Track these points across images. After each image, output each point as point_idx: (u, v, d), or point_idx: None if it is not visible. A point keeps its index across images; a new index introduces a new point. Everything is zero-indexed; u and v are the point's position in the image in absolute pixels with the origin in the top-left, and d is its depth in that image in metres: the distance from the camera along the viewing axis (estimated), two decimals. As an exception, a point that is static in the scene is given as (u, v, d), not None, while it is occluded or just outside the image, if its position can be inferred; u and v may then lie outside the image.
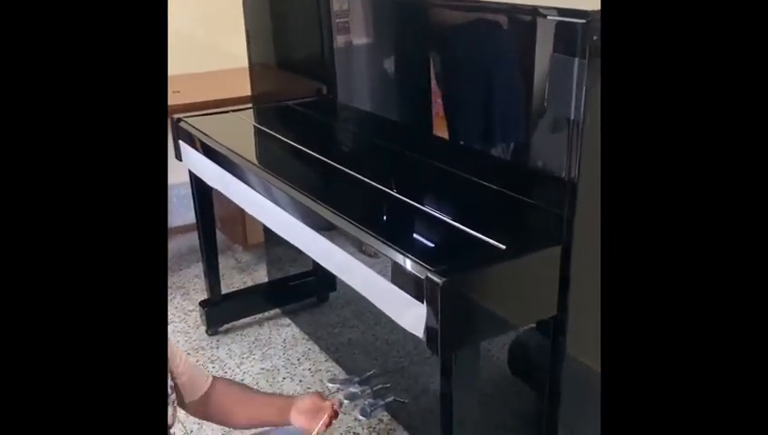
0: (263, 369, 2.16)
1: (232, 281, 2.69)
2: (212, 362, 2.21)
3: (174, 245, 2.95)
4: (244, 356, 2.23)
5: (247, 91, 2.39)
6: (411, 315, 1.16)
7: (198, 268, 2.60)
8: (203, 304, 2.35)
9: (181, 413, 1.31)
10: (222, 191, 1.89)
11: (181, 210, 2.92)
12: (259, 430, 1.38)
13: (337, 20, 1.93)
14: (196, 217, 2.24)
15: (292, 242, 1.55)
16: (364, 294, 1.31)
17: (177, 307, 2.53)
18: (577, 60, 1.14)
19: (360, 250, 1.29)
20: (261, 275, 2.71)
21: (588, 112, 1.13)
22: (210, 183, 1.98)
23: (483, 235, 1.24)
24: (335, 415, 1.32)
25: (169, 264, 2.75)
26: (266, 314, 2.44)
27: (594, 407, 0.80)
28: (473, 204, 1.44)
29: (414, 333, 1.17)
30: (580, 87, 1.14)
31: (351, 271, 1.33)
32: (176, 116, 2.11)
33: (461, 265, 1.15)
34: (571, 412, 1.35)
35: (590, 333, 1.07)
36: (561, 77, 1.19)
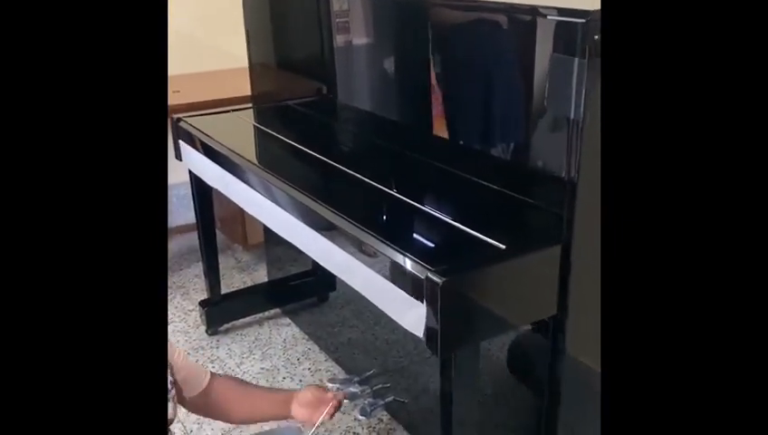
0: (262, 369, 2.16)
1: (232, 281, 2.69)
2: (212, 361, 2.21)
3: (174, 244, 2.95)
4: (244, 356, 2.23)
5: (247, 91, 2.39)
6: (411, 315, 1.16)
7: (198, 268, 2.60)
8: (203, 303, 2.35)
9: (181, 413, 1.31)
10: (222, 191, 1.89)
11: (181, 210, 2.92)
12: (264, 430, 1.39)
13: (337, 20, 1.93)
14: (196, 216, 2.24)
15: (291, 242, 1.55)
16: (364, 293, 1.31)
17: (177, 307, 2.53)
18: (577, 59, 1.14)
19: (360, 250, 1.29)
20: (261, 275, 2.71)
21: (587, 112, 1.13)
22: (210, 183, 1.98)
23: (482, 234, 1.24)
24: (338, 405, 1.32)
25: (169, 263, 2.75)
26: (266, 313, 2.44)
27: (594, 407, 0.80)
28: (472, 204, 1.44)
29: (414, 332, 1.17)
30: (580, 87, 1.14)
31: (351, 271, 1.33)
32: (176, 116, 2.11)
33: (461, 265, 1.15)
34: (571, 412, 1.35)
35: (590, 333, 1.07)
36: (560, 77, 1.19)
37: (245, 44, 2.33)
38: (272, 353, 2.24)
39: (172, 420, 1.17)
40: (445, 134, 1.60)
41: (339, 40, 1.96)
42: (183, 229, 2.97)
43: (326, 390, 1.35)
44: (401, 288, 1.18)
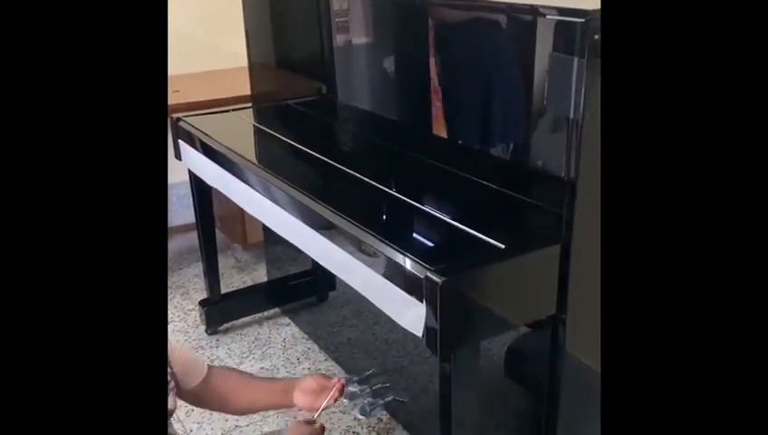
0: (262, 368, 2.16)
1: (231, 280, 2.69)
2: (211, 361, 2.21)
3: (174, 244, 2.95)
4: (244, 355, 2.23)
5: (247, 91, 2.39)
6: (410, 315, 1.16)
7: (198, 268, 2.60)
8: (202, 303, 2.35)
9: (181, 413, 1.31)
10: (221, 190, 1.89)
11: (181, 210, 2.92)
12: (265, 432, 1.39)
13: (337, 19, 1.93)
14: (196, 216, 2.24)
15: (291, 241, 1.55)
16: (363, 293, 1.31)
17: (176, 306, 2.53)
18: (576, 59, 1.14)
19: (360, 249, 1.29)
20: (260, 275, 2.71)
21: (587, 111, 1.13)
22: (210, 182, 1.98)
23: (482, 234, 1.24)
24: (341, 390, 1.33)
25: (169, 263, 2.75)
26: (266, 313, 2.44)
27: (594, 407, 0.80)
28: (472, 203, 1.44)
29: (413, 332, 1.17)
30: (580, 86, 1.14)
31: (351, 270, 1.33)
32: (175, 115, 2.11)
33: (460, 265, 1.15)
34: (571, 412, 1.35)
35: (589, 332, 1.07)
36: (560, 76, 1.19)
37: (245, 44, 2.33)
38: (271, 353, 2.24)
39: (172, 411, 1.18)
40: (444, 134, 1.60)
41: (338, 39, 1.96)
42: (182, 229, 2.97)
43: (329, 377, 1.36)
44: (401, 288, 1.18)
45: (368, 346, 2.05)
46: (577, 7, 1.14)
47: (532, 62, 1.28)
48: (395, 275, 1.20)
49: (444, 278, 1.09)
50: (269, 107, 2.34)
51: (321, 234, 1.41)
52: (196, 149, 1.99)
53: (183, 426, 1.89)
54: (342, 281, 1.39)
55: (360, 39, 1.93)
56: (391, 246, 1.21)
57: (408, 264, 1.16)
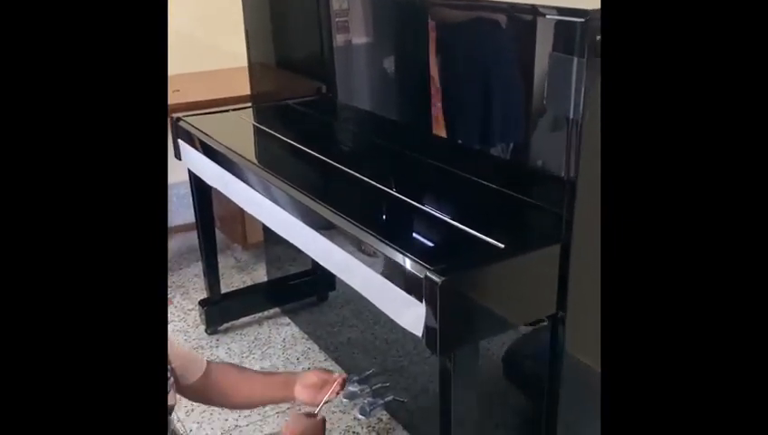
0: (262, 368, 2.16)
1: (231, 280, 2.69)
2: (211, 361, 2.21)
3: (173, 244, 2.95)
4: (244, 355, 2.23)
5: (247, 91, 2.39)
6: (410, 314, 1.16)
7: (198, 267, 2.60)
8: (202, 303, 2.35)
9: (181, 413, 1.31)
10: (221, 190, 1.89)
11: (181, 209, 2.92)
12: (267, 433, 1.39)
13: (336, 19, 1.93)
14: (196, 216, 2.24)
15: (291, 241, 1.55)
16: (363, 293, 1.31)
17: (176, 306, 2.53)
18: (576, 59, 1.14)
19: (360, 249, 1.29)
20: (260, 275, 2.71)
21: (587, 111, 1.13)
22: (210, 182, 1.98)
23: (482, 234, 1.24)
24: (343, 384, 1.33)
25: (169, 263, 2.75)
26: (266, 313, 2.44)
27: (594, 407, 0.80)
28: (472, 203, 1.44)
29: (413, 332, 1.17)
30: (580, 86, 1.14)
31: (351, 270, 1.33)
32: (175, 115, 2.11)
33: (460, 265, 1.15)
34: (571, 412, 1.35)
35: (589, 332, 1.07)
36: (560, 76, 1.19)
37: (245, 44, 2.33)
38: (271, 353, 2.24)
39: (173, 408, 1.18)
40: (444, 133, 1.60)
41: (338, 39, 1.96)
42: (182, 229, 2.97)
43: (330, 372, 1.36)
44: (400, 287, 1.18)
45: (368, 346, 2.05)
46: (577, 7, 1.14)
47: (532, 62, 1.28)
48: (395, 274, 1.20)
49: (443, 278, 1.09)
50: (269, 107, 2.34)
51: (321, 234, 1.41)
52: (196, 148, 1.99)
53: (183, 426, 1.89)
54: (342, 281, 1.39)
55: (359, 39, 1.93)
56: (391, 246, 1.21)
57: (407, 263, 1.16)
